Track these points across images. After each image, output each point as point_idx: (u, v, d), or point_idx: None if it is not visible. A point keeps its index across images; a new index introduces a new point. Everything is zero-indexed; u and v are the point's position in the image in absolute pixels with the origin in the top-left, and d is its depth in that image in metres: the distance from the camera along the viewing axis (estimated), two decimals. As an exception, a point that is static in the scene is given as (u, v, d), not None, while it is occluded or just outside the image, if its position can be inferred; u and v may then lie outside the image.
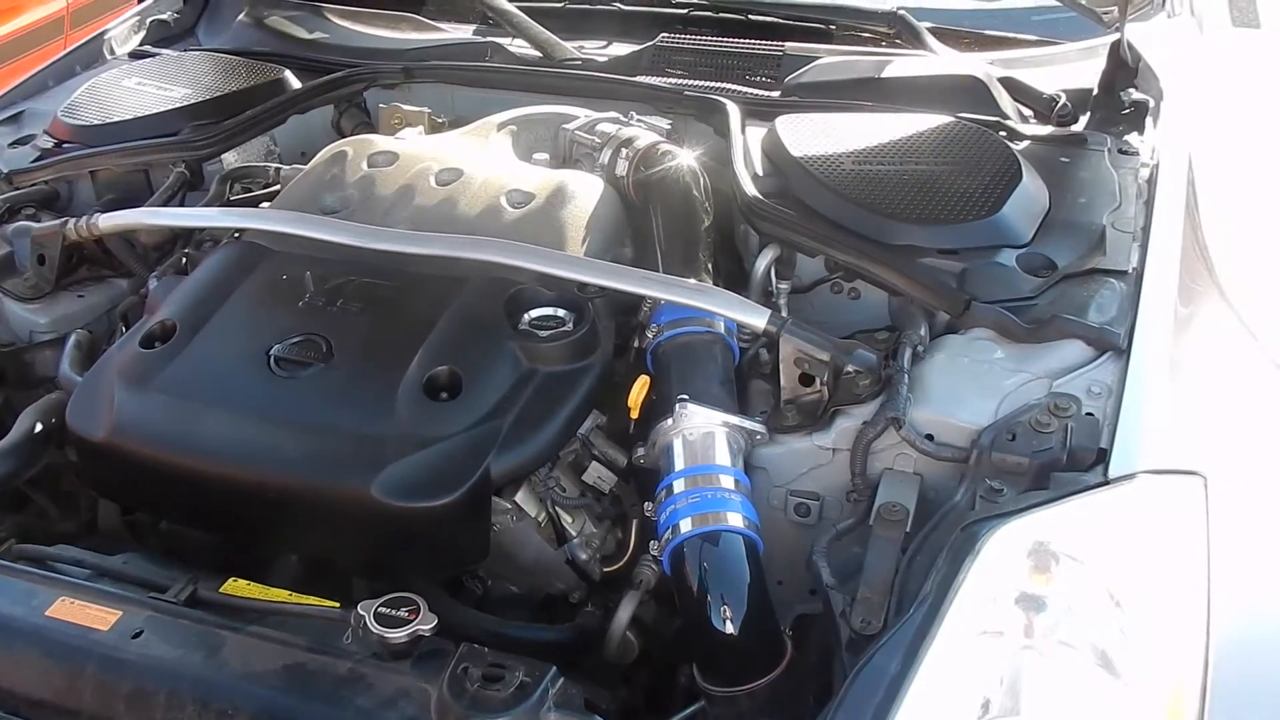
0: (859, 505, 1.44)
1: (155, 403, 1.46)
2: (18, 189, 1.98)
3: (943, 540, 1.26)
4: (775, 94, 2.05)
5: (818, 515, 1.50)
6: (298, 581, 1.44)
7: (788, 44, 2.15)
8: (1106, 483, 1.26)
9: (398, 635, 1.21)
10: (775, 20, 2.27)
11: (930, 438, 1.41)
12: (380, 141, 1.87)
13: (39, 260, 1.84)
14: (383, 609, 1.23)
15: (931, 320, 1.58)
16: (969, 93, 1.98)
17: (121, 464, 1.46)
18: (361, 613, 1.23)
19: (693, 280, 1.55)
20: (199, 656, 1.25)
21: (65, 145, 2.06)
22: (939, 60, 2.12)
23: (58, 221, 1.84)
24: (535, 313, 1.54)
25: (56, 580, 1.36)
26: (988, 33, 2.23)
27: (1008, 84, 2.02)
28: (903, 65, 2.08)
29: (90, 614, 1.31)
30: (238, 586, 1.40)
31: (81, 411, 1.50)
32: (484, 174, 1.76)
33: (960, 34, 2.21)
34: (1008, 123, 1.92)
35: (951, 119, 1.86)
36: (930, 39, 2.15)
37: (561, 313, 1.55)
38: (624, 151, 1.80)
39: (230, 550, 1.56)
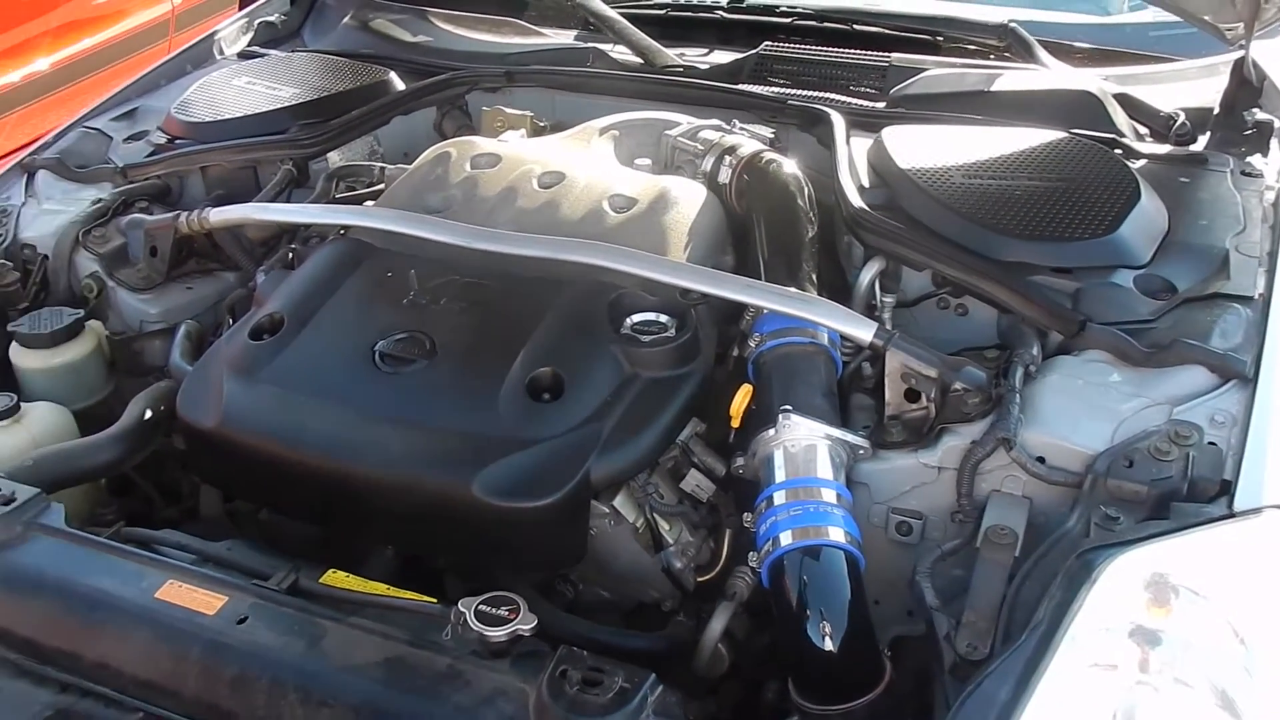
0: (964, 526, 1.41)
1: (263, 394, 1.48)
2: (132, 183, 2.03)
3: (1055, 567, 1.22)
4: (880, 105, 2.02)
5: (919, 535, 1.47)
6: (392, 576, 1.45)
7: (894, 55, 2.12)
8: (1232, 515, 1.21)
9: (498, 634, 1.21)
10: (881, 30, 2.23)
11: (1042, 460, 1.38)
12: (483, 143, 1.88)
13: (151, 252, 1.89)
14: (483, 607, 1.23)
15: (1043, 340, 1.54)
16: (1083, 109, 1.93)
17: (228, 452, 1.48)
18: (462, 609, 1.23)
19: (796, 290, 1.53)
20: (301, 645, 1.26)
21: (177, 141, 2.11)
22: (1051, 75, 2.07)
23: (170, 215, 1.89)
24: (637, 318, 1.54)
25: (164, 563, 1.38)
26: (1103, 48, 2.17)
27: (1123, 100, 1.97)
28: (1013, 79, 2.04)
29: (197, 598, 1.33)
30: (337, 578, 1.41)
31: (191, 400, 1.53)
32: (586, 178, 1.76)
33: (1074, 49, 2.15)
34: (1124, 140, 1.86)
35: (1065, 134, 1.82)
36: (1042, 53, 2.11)
37: (664, 318, 1.54)
38: (727, 159, 1.79)
39: (327, 542, 1.58)
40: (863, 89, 2.09)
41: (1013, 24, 2.16)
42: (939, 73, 2.07)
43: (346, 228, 1.74)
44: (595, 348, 1.48)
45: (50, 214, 1.97)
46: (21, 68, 4.11)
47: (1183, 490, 1.26)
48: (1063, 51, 2.15)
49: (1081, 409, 1.40)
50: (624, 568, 1.51)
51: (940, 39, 2.20)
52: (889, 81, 2.08)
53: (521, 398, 1.42)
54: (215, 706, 1.25)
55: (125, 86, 2.37)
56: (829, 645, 1.26)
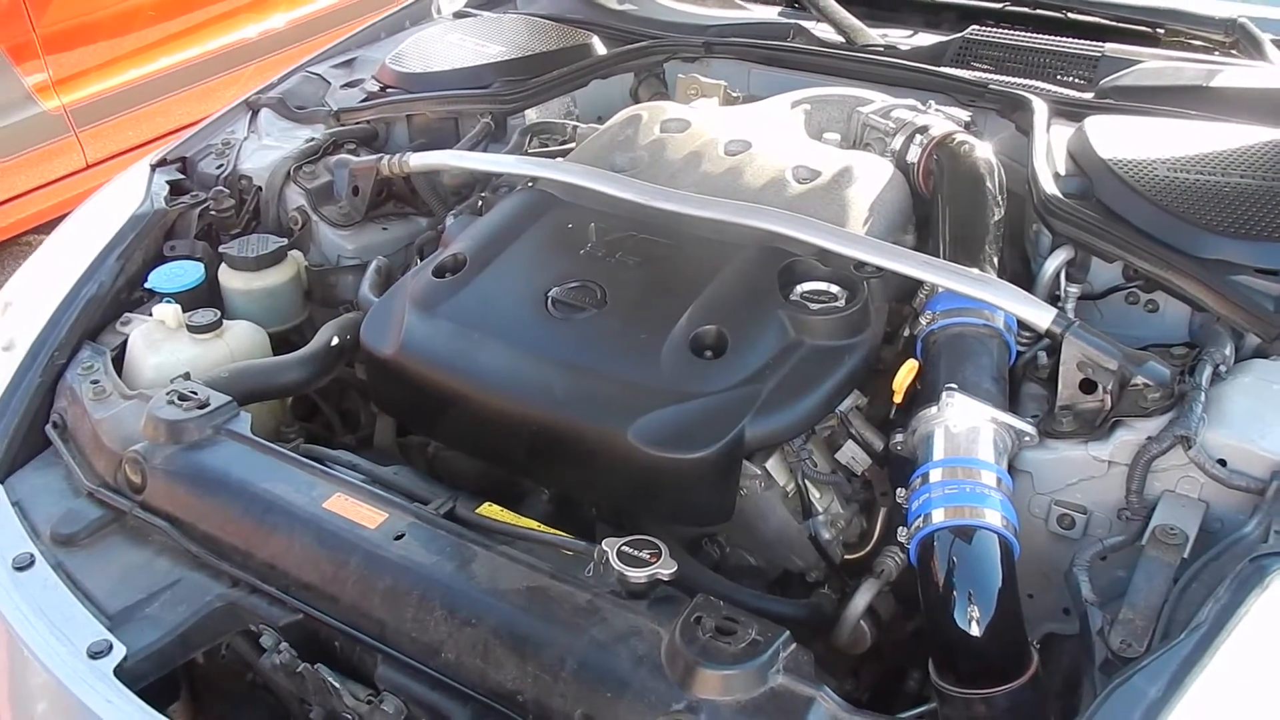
0: (1131, 525, 1.34)
1: (440, 328, 1.55)
2: (343, 125, 2.15)
3: (1225, 570, 1.16)
4: (1088, 95, 1.93)
5: (1082, 530, 1.41)
6: (546, 519, 1.49)
7: (1108, 45, 2.02)
8: None
9: (638, 575, 1.23)
10: (1097, 20, 2.13)
11: (1223, 463, 1.30)
12: (674, 108, 1.90)
13: (354, 191, 1.99)
14: (626, 548, 1.26)
15: (1239, 342, 1.45)
16: (1314, 111, 1.79)
17: (403, 381, 1.55)
18: (605, 549, 1.26)
19: (975, 270, 1.49)
20: (452, 566, 1.32)
21: (388, 90, 2.22)
22: (1278, 72, 1.93)
23: (374, 157, 1.99)
24: (808, 286, 1.53)
25: (335, 478, 1.47)
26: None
27: (1362, 105, 1.82)
28: (1237, 75, 1.91)
29: (361, 512, 1.40)
30: (493, 510, 1.46)
31: (374, 329, 1.61)
32: (772, 148, 1.76)
33: (1311, 49, 2.00)
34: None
35: (1290, 134, 1.70)
36: (1273, 50, 1.97)
37: (834, 289, 1.53)
38: (918, 138, 1.76)
39: (489, 481, 1.63)
40: (1071, 78, 2.01)
41: (1242, 19, 2.02)
42: (1154, 65, 1.96)
43: (535, 179, 1.79)
44: (762, 311, 1.48)
45: (267, 149, 2.11)
46: (261, 23, 4.43)
47: (1380, 510, 1.17)
48: (1297, 51, 2.00)
49: (1274, 414, 1.32)
50: (772, 532, 1.51)
51: (1160, 31, 2.08)
52: (1100, 72, 1.99)
53: (684, 353, 1.44)
54: (368, 614, 1.32)
55: (348, 37, 2.52)
56: (974, 629, 1.22)
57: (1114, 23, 2.11)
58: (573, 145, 1.97)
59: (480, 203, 1.88)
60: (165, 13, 4.11)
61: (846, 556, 1.53)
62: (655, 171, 1.75)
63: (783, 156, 1.73)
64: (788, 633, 1.17)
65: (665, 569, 1.24)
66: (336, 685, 1.29)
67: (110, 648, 1.32)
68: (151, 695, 1.32)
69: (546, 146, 2.03)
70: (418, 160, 1.92)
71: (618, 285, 1.55)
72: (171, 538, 1.47)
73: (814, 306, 1.49)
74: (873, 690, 1.53)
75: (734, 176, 1.71)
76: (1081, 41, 2.06)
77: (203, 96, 4.06)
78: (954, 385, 1.37)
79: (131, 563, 1.47)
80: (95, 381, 1.69)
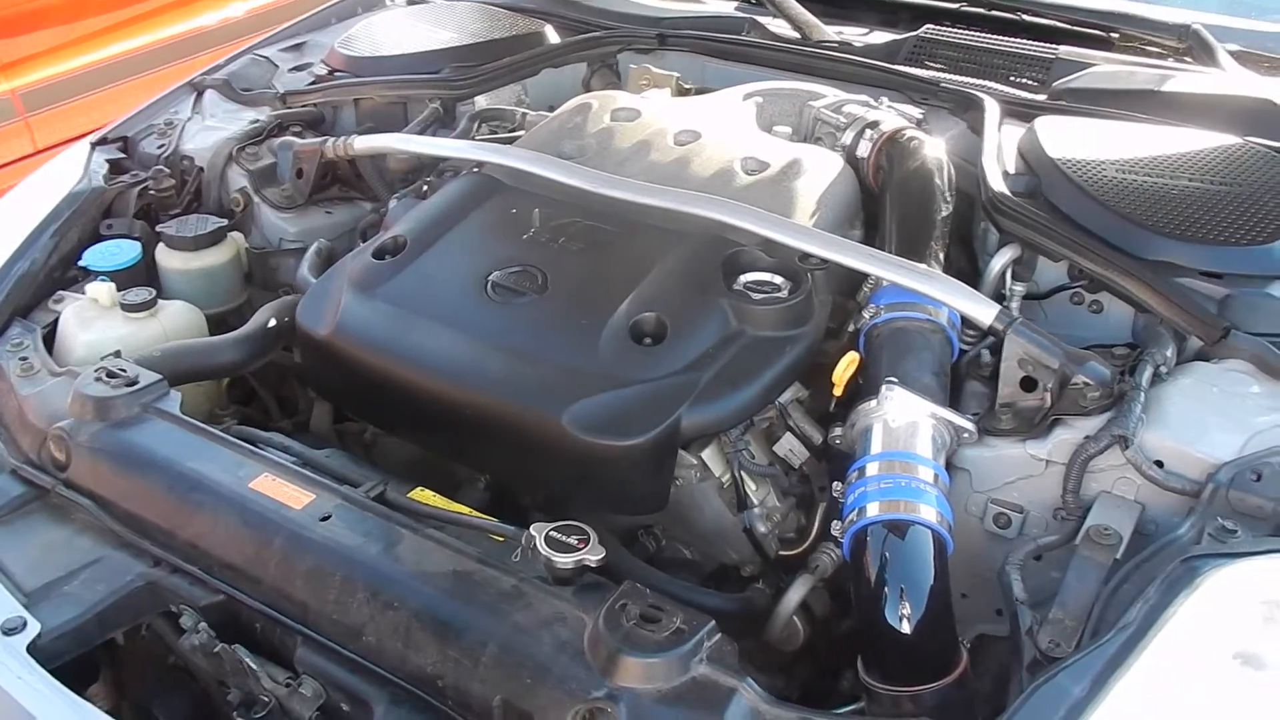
0: (1066, 525, 1.34)
1: (377, 309, 1.52)
2: (289, 109, 2.12)
3: (1156, 571, 1.14)
4: (1041, 97, 1.93)
5: (1018, 529, 1.40)
6: (481, 508, 1.46)
7: (1061, 48, 2.03)
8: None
9: (564, 560, 1.21)
10: (1052, 22, 2.14)
11: (1160, 465, 1.29)
12: (625, 98, 1.88)
13: (297, 174, 1.96)
14: (554, 533, 1.23)
15: (1181, 344, 1.44)
16: (1263, 118, 1.79)
17: (338, 362, 1.52)
18: (533, 533, 1.23)
19: (920, 265, 1.48)
20: (377, 549, 1.29)
21: (337, 74, 2.19)
22: (1230, 79, 1.94)
23: (318, 140, 1.96)
24: (751, 276, 1.51)
25: (263, 458, 1.43)
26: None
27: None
28: (1188, 81, 1.92)
29: (287, 492, 1.37)
30: (424, 495, 1.43)
31: (310, 310, 1.58)
32: (721, 139, 1.75)
33: (1262, 58, 2.01)
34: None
35: (1238, 140, 1.70)
36: (1225, 58, 1.97)
37: (778, 279, 1.51)
38: (868, 133, 1.75)
39: (425, 469, 1.60)
40: (1024, 80, 2.00)
41: (1196, 26, 2.03)
42: (1107, 68, 1.97)
43: (481, 164, 1.77)
44: (703, 300, 1.46)
45: (211, 130, 2.07)
46: (220, 10, 4.37)
47: (1314, 513, 1.16)
48: (1249, 60, 2.01)
49: (1212, 417, 1.31)
50: (707, 524, 1.49)
51: (1114, 35, 2.08)
52: (1053, 74, 1.99)
53: (623, 339, 1.42)
54: (290, 596, 1.29)
55: (297, 21, 2.48)
56: (904, 626, 1.20)
57: (1068, 26, 2.11)
58: (522, 132, 1.95)
59: (425, 187, 1.85)
60: (119, -1, 4.06)
61: (784, 552, 1.51)
62: (603, 159, 1.72)
63: (732, 148, 1.72)
64: (713, 622, 1.15)
65: (593, 555, 1.21)
66: (254, 667, 1.26)
67: (24, 624, 1.29)
68: (69, 675, 1.28)
69: (495, 133, 2.00)
70: (363, 143, 1.90)
71: (559, 271, 1.53)
72: (94, 516, 1.43)
73: (756, 296, 1.48)
74: (805, 689, 1.51)
75: (682, 166, 1.69)
76: (1035, 43, 2.06)
77: (157, 84, 3.93)
78: (894, 379, 1.36)
79: (52, 540, 1.43)
80: (24, 359, 1.65)
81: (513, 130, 2.00)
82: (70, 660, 1.32)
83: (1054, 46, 2.04)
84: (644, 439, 1.32)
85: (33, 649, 1.26)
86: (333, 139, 1.93)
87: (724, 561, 1.54)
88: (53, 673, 1.25)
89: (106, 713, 1.40)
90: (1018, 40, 2.08)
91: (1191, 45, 2.03)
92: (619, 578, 1.26)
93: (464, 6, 2.38)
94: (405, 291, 1.53)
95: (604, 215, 1.62)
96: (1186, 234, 1.50)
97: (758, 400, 1.41)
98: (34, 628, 1.28)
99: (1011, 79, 2.02)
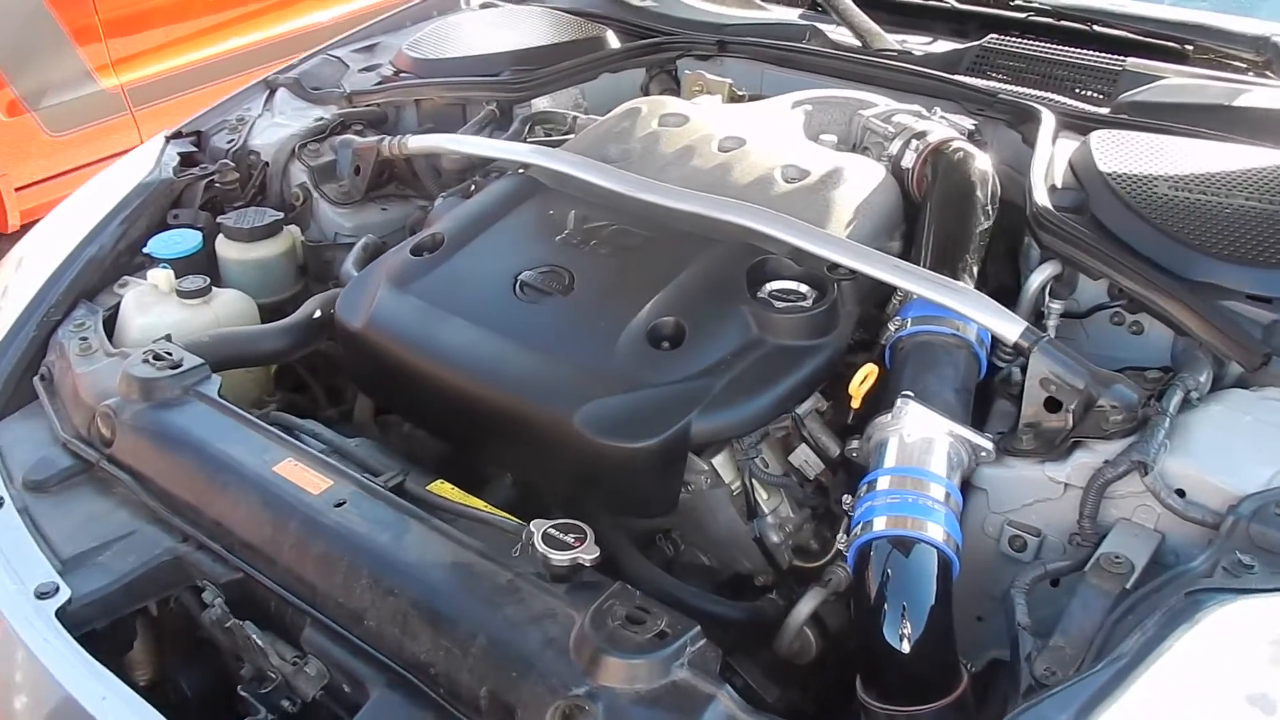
0: (1081, 551, 1.29)
1: (408, 304, 1.55)
2: (354, 108, 2.17)
3: (1162, 603, 1.10)
4: (1104, 110, 1.87)
5: (1034, 553, 1.36)
6: (508, 505, 1.48)
7: (1129, 59, 1.96)
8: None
9: (560, 558, 1.22)
10: (1123, 34, 2.06)
11: (1181, 494, 1.24)
12: (675, 104, 1.89)
13: (355, 171, 2.02)
14: (552, 530, 1.24)
15: (1220, 369, 1.39)
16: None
17: (370, 354, 1.56)
18: (532, 529, 1.25)
19: (946, 278, 1.45)
20: (386, 537, 1.32)
21: (402, 75, 2.24)
22: (1311, 96, 1.85)
23: (375, 138, 2.01)
24: (776, 284, 1.50)
25: (290, 444, 1.47)
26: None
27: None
28: (1264, 96, 1.83)
29: (308, 478, 1.41)
30: (442, 488, 1.46)
31: (348, 302, 1.62)
32: (766, 146, 1.74)
33: (1349, 74, 1.91)
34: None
35: (1308, 159, 1.62)
36: (1307, 72, 1.89)
37: (804, 288, 1.50)
38: (914, 144, 1.72)
39: (458, 462, 1.63)
40: (1088, 92, 1.94)
41: (1277, 39, 1.95)
42: (1176, 81, 1.89)
43: (525, 166, 1.79)
44: (725, 306, 1.46)
45: (278, 127, 2.14)
46: (328, 10, 4.52)
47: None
48: (1336, 76, 1.92)
49: (1241, 447, 1.26)
50: (720, 532, 1.49)
51: (1189, 48, 2.01)
52: (1119, 87, 1.92)
53: (641, 342, 1.42)
54: (301, 578, 1.33)
55: (373, 23, 2.55)
56: (903, 645, 1.18)
57: (1141, 37, 2.04)
58: (571, 135, 1.97)
59: (472, 186, 1.89)
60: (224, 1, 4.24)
61: (804, 565, 1.49)
62: (645, 164, 1.73)
63: (775, 155, 1.71)
64: (698, 628, 1.14)
65: (587, 554, 1.22)
66: (262, 644, 1.29)
67: (56, 590, 1.35)
68: (104, 644, 1.35)
69: (548, 135, 2.03)
70: (415, 143, 1.94)
71: (586, 272, 1.54)
72: (132, 491, 1.49)
73: (779, 305, 1.47)
74: (821, 703, 1.49)
75: (723, 172, 1.69)
76: (1103, 55, 2.00)
77: (257, 81, 4.18)
78: (910, 394, 1.34)
79: (93, 512, 1.50)
80: (84, 339, 1.73)
81: (565, 133, 2.02)
82: (106, 629, 1.38)
83: (1122, 58, 1.97)
84: (653, 442, 1.33)
85: (61, 614, 1.32)
86: (389, 138, 1.98)
87: (739, 570, 1.53)
88: (80, 639, 1.31)
89: (144, 680, 1.48)
90: (1084, 51, 2.02)
91: (1270, 58, 1.94)
92: (629, 579, 1.27)
93: (531, 12, 2.42)
94: (437, 288, 1.56)
95: (639, 219, 1.63)
96: (1234, 255, 1.44)
97: (771, 409, 1.40)
98: (64, 594, 1.34)
99: (1076, 91, 1.96)
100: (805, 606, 1.40)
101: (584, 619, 1.15)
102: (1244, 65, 1.99)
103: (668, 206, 1.61)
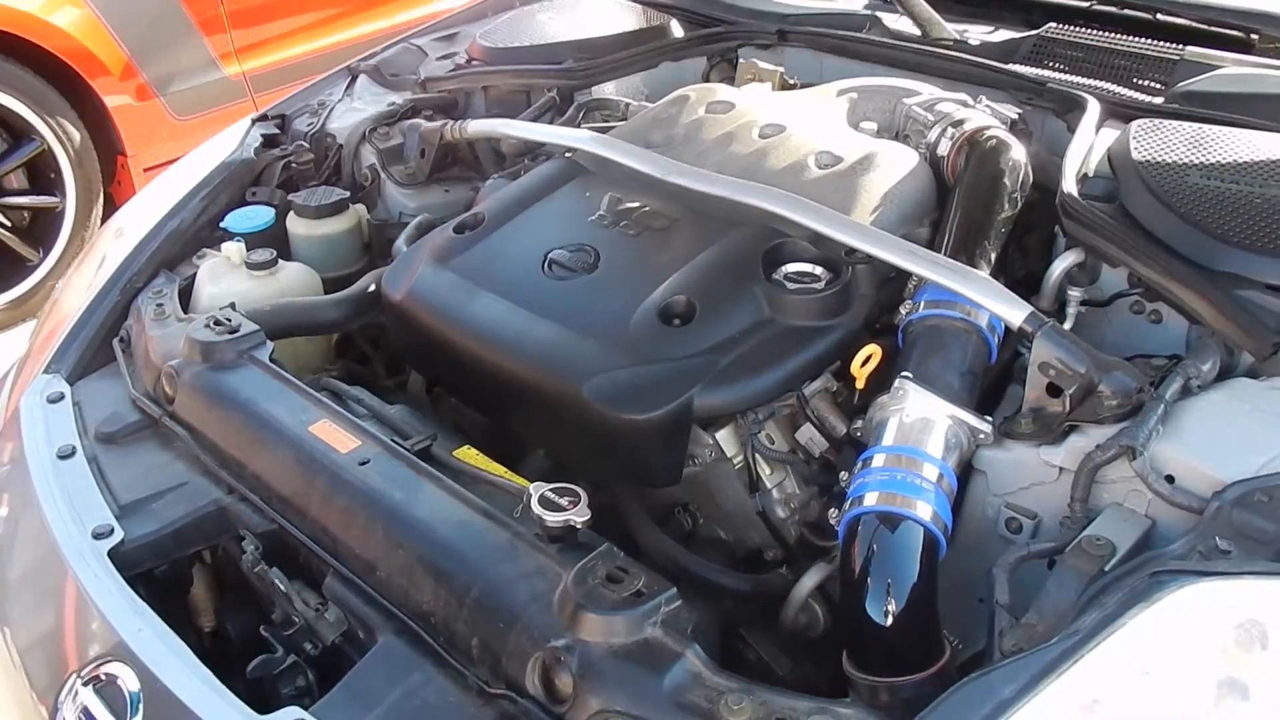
0: (1069, 533, 1.29)
1: (445, 279, 1.64)
2: (426, 94, 2.28)
3: (1130, 582, 1.11)
4: (1157, 100, 1.84)
5: (1029, 536, 1.37)
6: (541, 476, 1.54)
7: (1188, 48, 1.92)
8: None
9: (553, 519, 1.28)
10: (1186, 23, 2.02)
11: (1170, 480, 1.24)
12: (723, 91, 1.93)
13: (420, 153, 2.12)
14: (549, 493, 1.31)
15: (1231, 358, 1.37)
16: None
17: (409, 326, 1.66)
18: (531, 491, 1.32)
19: (956, 262, 1.46)
20: (401, 494, 1.40)
21: (474, 62, 2.34)
22: (1378, 85, 1.79)
23: (440, 123, 2.11)
24: (792, 267, 1.54)
25: (326, 405, 1.57)
26: None
27: None
28: (1328, 86, 1.78)
29: (339, 438, 1.50)
30: (467, 453, 1.54)
31: (393, 276, 1.72)
32: (805, 133, 1.77)
33: None
34: None
35: (1357, 149, 1.57)
36: (1378, 61, 1.82)
37: (819, 271, 1.53)
38: (950, 131, 1.73)
39: (497, 434, 1.72)
40: (1145, 82, 1.91)
41: (1349, 26, 1.88)
42: (1234, 71, 1.85)
43: (569, 150, 1.86)
44: (738, 286, 1.50)
45: (355, 111, 2.27)
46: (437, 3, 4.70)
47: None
48: None
49: (1236, 435, 1.24)
50: (730, 505, 1.53)
51: (1255, 36, 1.95)
52: (1176, 77, 1.88)
53: (653, 319, 1.48)
54: (325, 530, 1.42)
55: (457, 13, 2.66)
56: (886, 619, 1.21)
57: (1205, 26, 1.99)
58: (623, 121, 2.03)
59: (522, 169, 1.97)
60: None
61: (819, 542, 1.52)
62: (685, 150, 1.78)
63: (811, 141, 1.73)
64: (673, 590, 1.19)
65: (579, 516, 1.28)
66: (285, 591, 1.40)
67: (112, 531, 1.47)
68: (159, 587, 1.48)
69: (605, 121, 2.09)
70: (474, 126, 2.04)
71: (612, 252, 1.60)
72: (188, 445, 1.61)
73: (792, 286, 1.50)
74: (835, 680, 1.52)
75: (758, 158, 1.73)
76: (1162, 44, 1.96)
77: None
78: (908, 375, 1.36)
79: (153, 463, 1.62)
80: (159, 305, 1.87)
81: (617, 120, 2.08)
82: (165, 572, 1.51)
83: (1181, 48, 1.93)
84: (655, 414, 1.38)
85: (113, 554, 1.45)
86: (452, 122, 2.07)
87: (750, 545, 1.57)
88: (136, 579, 1.44)
89: (207, 626, 1.59)
90: (1143, 40, 1.98)
91: (1341, 48, 1.88)
92: (638, 546, 1.33)
93: (600, 2, 2.49)
94: (473, 264, 1.65)
95: (671, 202, 1.68)
96: (1256, 245, 1.41)
97: (776, 387, 1.44)
98: (118, 535, 1.46)
99: (1134, 80, 1.93)
100: (809, 580, 1.44)
101: (568, 576, 1.22)
102: (1315, 54, 1.93)
103: (697, 190, 1.66)
